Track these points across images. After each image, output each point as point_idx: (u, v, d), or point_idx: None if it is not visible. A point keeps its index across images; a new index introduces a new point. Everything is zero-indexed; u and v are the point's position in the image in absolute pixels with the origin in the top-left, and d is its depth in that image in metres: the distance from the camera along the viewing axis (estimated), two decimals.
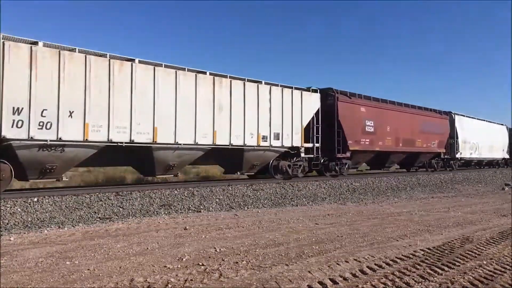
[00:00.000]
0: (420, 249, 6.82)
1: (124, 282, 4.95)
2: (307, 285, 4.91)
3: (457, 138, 29.35)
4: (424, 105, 27.55)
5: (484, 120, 34.82)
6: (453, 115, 29.46)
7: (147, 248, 6.69)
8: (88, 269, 5.45)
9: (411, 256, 6.40)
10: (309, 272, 5.45)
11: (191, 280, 5.07)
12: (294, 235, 7.86)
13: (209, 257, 6.17)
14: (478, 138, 32.22)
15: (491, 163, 37.03)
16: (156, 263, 5.80)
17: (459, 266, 5.86)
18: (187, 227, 8.53)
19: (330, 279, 5.16)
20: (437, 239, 7.69)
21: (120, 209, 10.65)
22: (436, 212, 11.56)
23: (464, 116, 31.38)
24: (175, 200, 12.05)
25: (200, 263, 5.81)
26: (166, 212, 10.65)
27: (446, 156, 28.89)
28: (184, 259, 6.03)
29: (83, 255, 6.23)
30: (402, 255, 6.44)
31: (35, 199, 10.41)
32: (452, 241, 7.56)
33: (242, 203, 12.62)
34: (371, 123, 21.32)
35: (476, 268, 5.77)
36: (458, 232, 8.50)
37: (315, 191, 15.87)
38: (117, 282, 4.95)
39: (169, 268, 5.58)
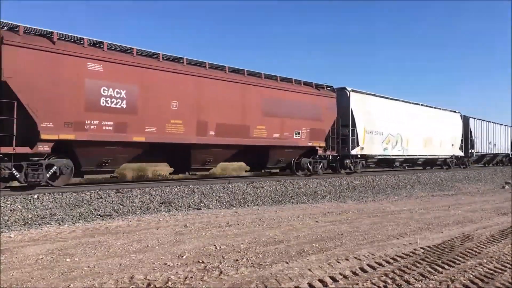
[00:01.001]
0: (420, 247, 6.82)
1: (124, 279, 4.95)
2: (307, 283, 4.91)
3: (354, 126, 19.72)
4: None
5: (417, 104, 25.73)
6: (348, 92, 19.93)
7: (147, 246, 6.69)
8: (88, 266, 5.46)
9: (411, 254, 6.39)
10: (309, 270, 5.45)
11: (191, 277, 5.07)
12: (294, 233, 7.86)
13: (209, 255, 6.17)
14: (401, 128, 23.18)
15: (432, 162, 28.45)
16: (156, 261, 5.80)
17: (459, 264, 5.86)
18: (187, 225, 8.53)
19: (330, 277, 5.16)
20: (438, 237, 7.69)
21: (121, 206, 10.65)
22: (436, 210, 11.56)
23: (371, 95, 21.78)
24: (175, 198, 12.05)
25: (200, 261, 5.81)
26: (166, 210, 10.65)
27: (329, 154, 19.13)
28: (184, 257, 6.03)
29: (83, 252, 6.22)
30: (402, 253, 6.44)
31: (35, 196, 10.41)
32: (453, 239, 7.56)
33: (242, 200, 12.62)
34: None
35: (476, 266, 5.78)
36: (458, 230, 8.50)
37: (315, 189, 15.86)
38: (117, 279, 4.95)
39: (169, 265, 5.58)
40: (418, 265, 5.77)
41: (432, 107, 27.29)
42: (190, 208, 11.04)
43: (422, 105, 26.28)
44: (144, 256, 6.05)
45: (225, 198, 12.74)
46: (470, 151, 31.06)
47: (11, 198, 9.97)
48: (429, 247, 6.88)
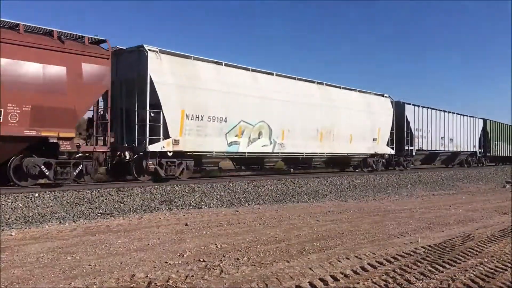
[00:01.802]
0: (421, 246, 6.82)
1: (125, 278, 4.96)
2: (308, 282, 4.91)
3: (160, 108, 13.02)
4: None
5: (309, 82, 18.72)
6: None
7: (148, 244, 6.70)
8: (89, 265, 5.46)
9: (412, 253, 6.39)
10: (310, 268, 5.45)
11: (192, 276, 5.07)
12: (295, 232, 7.86)
13: (210, 253, 6.18)
14: (270, 114, 16.42)
15: (342, 163, 21.77)
16: (157, 259, 5.80)
17: (460, 263, 5.86)
18: (188, 223, 8.53)
19: (331, 275, 5.16)
20: (438, 237, 7.69)
21: (121, 204, 10.66)
22: (437, 209, 11.56)
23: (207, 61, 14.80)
24: (176, 196, 12.05)
25: (201, 259, 5.81)
26: (167, 208, 10.65)
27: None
28: (185, 255, 6.04)
29: (84, 250, 6.23)
30: (403, 252, 6.44)
31: (36, 194, 10.42)
32: (453, 238, 7.56)
33: (243, 199, 12.63)
34: None
35: (477, 265, 5.77)
36: (459, 229, 8.50)
37: (316, 188, 15.87)
38: (118, 278, 4.95)
39: (170, 264, 5.58)
40: (419, 264, 5.77)
41: (338, 87, 20.21)
42: (191, 207, 11.05)
43: (320, 83, 19.11)
44: (145, 254, 6.05)
45: (226, 197, 12.75)
46: (407, 148, 24.07)
47: (12, 196, 9.99)
48: (430, 246, 6.88)
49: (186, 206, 11.06)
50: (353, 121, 20.37)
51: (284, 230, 8.01)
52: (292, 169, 20.10)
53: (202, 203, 11.61)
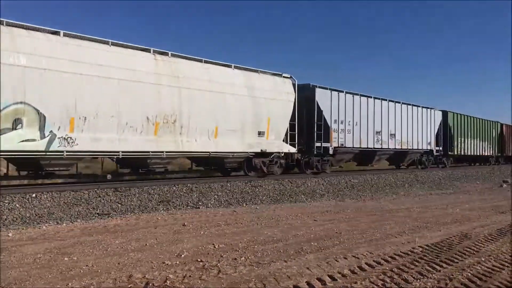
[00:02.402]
0: (418, 246, 6.82)
1: (123, 278, 4.95)
2: (306, 282, 4.91)
3: None
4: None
5: (142, 50, 13.23)
6: None
7: (146, 244, 6.69)
8: (86, 265, 5.45)
9: (409, 252, 6.40)
10: (308, 268, 5.45)
11: (190, 276, 5.07)
12: (293, 232, 7.86)
13: (208, 254, 6.17)
14: (73, 99, 11.23)
15: (198, 163, 16.10)
16: (154, 259, 5.79)
17: (457, 263, 5.87)
18: (185, 223, 8.52)
19: (328, 275, 5.16)
20: (436, 236, 7.70)
21: (119, 205, 10.64)
22: (435, 208, 11.58)
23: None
24: (173, 196, 12.04)
25: (199, 260, 5.81)
26: (164, 208, 10.64)
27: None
28: (182, 255, 6.03)
29: (82, 251, 6.22)
30: (400, 251, 6.44)
31: (34, 195, 10.39)
32: (451, 237, 7.57)
33: (240, 199, 12.62)
34: None
35: (475, 265, 5.78)
36: (456, 228, 8.51)
37: (313, 187, 15.88)
38: (116, 278, 4.94)
39: (167, 264, 5.58)
40: (417, 263, 5.78)
41: (195, 60, 14.43)
42: (189, 207, 11.04)
43: (160, 52, 13.51)
44: (143, 255, 6.05)
45: (224, 197, 12.74)
46: (319, 144, 18.41)
47: (9, 197, 9.96)
48: (427, 245, 6.89)
49: (183, 206, 11.05)
50: (220, 108, 14.58)
51: (282, 230, 8.01)
52: (109, 176, 13.22)
53: (200, 203, 11.60)
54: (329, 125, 18.93)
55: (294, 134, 17.46)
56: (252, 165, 16.20)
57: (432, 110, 27.69)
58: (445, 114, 29.13)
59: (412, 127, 25.15)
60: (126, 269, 5.32)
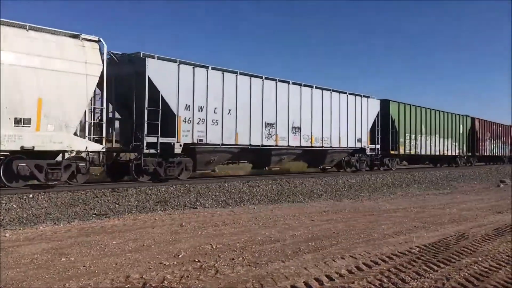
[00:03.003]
0: (415, 246, 6.84)
1: (120, 279, 4.94)
2: (303, 282, 4.92)
3: None
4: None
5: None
6: None
7: (143, 245, 6.68)
8: (83, 266, 5.44)
9: (406, 252, 6.41)
10: (305, 268, 5.46)
11: (187, 276, 5.06)
12: (290, 232, 7.86)
13: (205, 254, 6.17)
14: None
15: None
16: (152, 260, 5.79)
17: (454, 262, 5.89)
18: (183, 224, 8.51)
19: (326, 275, 5.17)
20: (433, 236, 7.72)
21: (116, 205, 10.63)
22: (432, 208, 11.60)
23: None
24: (171, 197, 12.03)
25: (196, 260, 5.80)
26: (162, 209, 10.63)
27: None
28: (180, 256, 6.02)
29: (79, 251, 6.21)
30: (398, 251, 6.46)
31: (31, 195, 10.37)
32: (448, 237, 7.59)
33: (238, 199, 12.62)
34: None
35: (472, 264, 5.80)
36: (453, 228, 8.53)
37: (311, 187, 15.89)
38: (113, 279, 4.93)
39: (165, 264, 5.57)
40: (414, 263, 5.79)
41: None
42: (186, 207, 11.03)
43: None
44: (140, 255, 6.04)
45: (221, 197, 12.74)
46: (150, 140, 13.53)
47: (6, 197, 9.94)
48: (424, 245, 6.90)
49: (181, 207, 11.04)
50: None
51: (279, 230, 8.01)
52: None
53: (197, 203, 11.59)
54: (175, 113, 14.10)
55: (102, 123, 12.79)
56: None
57: (365, 99, 22.25)
58: (385, 104, 23.91)
59: (331, 119, 20.00)
60: (124, 270, 5.31)
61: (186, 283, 4.84)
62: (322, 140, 19.55)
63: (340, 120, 20.58)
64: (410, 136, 25.72)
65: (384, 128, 23.51)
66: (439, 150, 29.12)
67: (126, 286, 4.71)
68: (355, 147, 21.70)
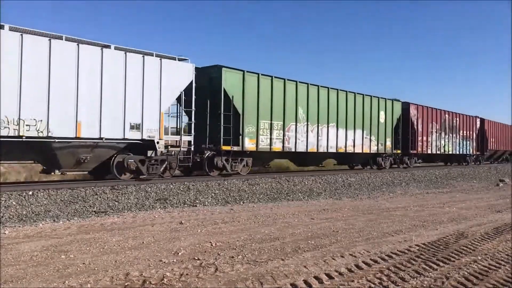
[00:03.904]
0: (415, 244, 6.85)
1: (120, 276, 4.94)
2: (303, 280, 4.92)
3: None
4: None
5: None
6: None
7: (143, 242, 6.68)
8: (83, 263, 5.44)
9: (406, 251, 6.42)
10: (305, 267, 5.46)
11: (187, 274, 5.06)
12: (290, 230, 7.87)
13: (205, 252, 6.17)
14: None
15: None
16: (151, 257, 5.79)
17: (454, 261, 5.89)
18: (182, 222, 8.52)
19: (326, 274, 5.17)
20: (432, 235, 7.72)
21: (116, 203, 10.62)
22: (431, 207, 11.61)
23: None
24: (170, 195, 12.03)
25: (196, 258, 5.81)
26: (161, 206, 10.63)
27: None
28: (179, 254, 6.03)
29: (78, 249, 6.20)
30: (397, 250, 6.46)
31: (30, 193, 10.36)
32: (447, 236, 7.59)
33: (238, 197, 12.62)
34: None
35: (471, 263, 5.81)
36: (453, 227, 8.54)
37: (310, 186, 15.89)
38: (113, 276, 4.93)
39: (164, 262, 5.57)
40: (413, 262, 5.80)
41: None
42: (186, 205, 11.03)
43: None
44: (140, 253, 6.04)
45: (221, 195, 12.74)
46: None
47: (5, 194, 9.93)
48: (424, 244, 6.91)
49: (180, 205, 11.04)
50: None
51: (279, 228, 8.01)
52: None
53: (197, 201, 11.59)
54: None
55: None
56: None
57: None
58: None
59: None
60: (123, 267, 5.31)
61: (186, 281, 4.84)
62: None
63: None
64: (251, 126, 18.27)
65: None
66: (338, 145, 20.65)
67: (126, 284, 4.71)
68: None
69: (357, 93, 21.98)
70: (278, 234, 7.47)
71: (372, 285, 4.82)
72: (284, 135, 17.86)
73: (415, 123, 26.17)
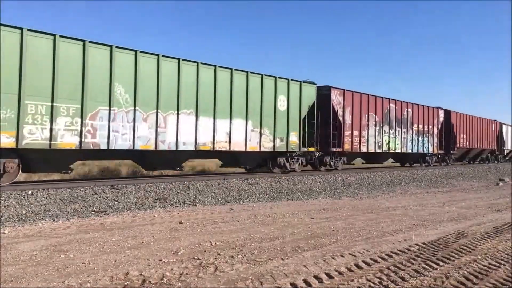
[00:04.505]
0: (415, 244, 6.84)
1: (119, 276, 4.94)
2: (303, 279, 4.91)
3: None
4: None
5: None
6: None
7: (142, 242, 6.68)
8: (83, 263, 5.43)
9: (406, 250, 6.42)
10: (305, 266, 5.46)
11: (187, 274, 5.06)
12: (290, 229, 7.86)
13: (205, 251, 6.16)
14: None
15: None
16: (151, 257, 5.78)
17: (453, 261, 5.89)
18: (182, 221, 8.51)
19: (325, 273, 5.16)
20: (432, 234, 7.72)
21: (115, 202, 10.62)
22: (431, 207, 11.61)
23: None
24: (170, 194, 12.03)
25: (196, 257, 5.80)
26: (161, 206, 10.63)
27: None
28: (179, 253, 6.02)
29: (78, 248, 6.20)
30: (397, 249, 6.46)
31: (30, 192, 10.36)
32: (447, 236, 7.59)
33: (237, 197, 12.62)
34: None
35: (471, 263, 5.80)
36: (452, 227, 8.54)
37: (310, 185, 15.89)
38: (112, 276, 4.93)
39: (164, 261, 5.57)
40: (413, 261, 5.79)
41: None
42: (185, 205, 11.02)
43: None
44: (139, 252, 6.03)
45: (221, 194, 12.74)
46: None
47: (5, 194, 9.93)
48: (423, 243, 6.90)
49: (180, 204, 11.04)
50: None
51: (279, 228, 8.01)
52: None
53: (197, 200, 11.59)
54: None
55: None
56: None
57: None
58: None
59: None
60: (123, 267, 5.31)
61: (186, 280, 4.84)
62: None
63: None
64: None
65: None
66: (199, 140, 14.97)
67: (125, 283, 4.71)
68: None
69: (236, 70, 16.01)
70: (278, 234, 7.46)
71: (372, 285, 4.82)
72: (83, 126, 12.15)
73: (341, 113, 20.41)
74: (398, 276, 5.10)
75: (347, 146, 21.08)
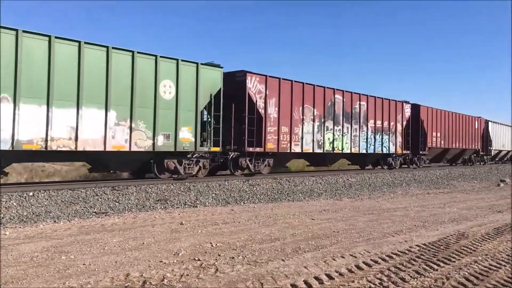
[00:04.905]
0: (415, 245, 6.84)
1: (120, 277, 4.95)
2: (303, 280, 4.92)
3: None
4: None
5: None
6: None
7: (143, 243, 6.68)
8: (83, 264, 5.44)
9: (406, 251, 6.42)
10: (305, 267, 5.46)
11: (187, 275, 5.07)
12: (290, 231, 7.86)
13: (205, 252, 6.17)
14: None
15: None
16: (152, 258, 5.79)
17: (454, 262, 5.89)
18: (183, 222, 8.52)
19: (326, 274, 5.17)
20: (433, 235, 7.72)
21: (116, 203, 10.63)
22: (432, 208, 11.60)
23: None
24: (171, 195, 12.03)
25: (196, 258, 5.81)
26: (162, 207, 10.63)
27: None
28: (180, 254, 6.03)
29: (79, 249, 6.21)
30: (398, 250, 6.46)
31: (31, 193, 10.38)
32: (448, 237, 7.59)
33: (238, 198, 12.62)
34: None
35: (472, 264, 5.80)
36: (453, 228, 8.53)
37: (311, 186, 15.89)
38: (113, 277, 4.94)
39: (165, 263, 5.58)
40: (414, 262, 5.79)
41: None
42: (186, 206, 11.03)
43: None
44: (140, 253, 6.04)
45: (221, 195, 12.74)
46: None
47: (6, 195, 9.95)
48: (424, 244, 6.90)
49: (181, 205, 11.04)
50: None
51: (279, 229, 8.01)
52: None
53: (198, 202, 11.59)
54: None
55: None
56: None
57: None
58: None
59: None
60: (124, 268, 5.31)
61: (186, 281, 4.84)
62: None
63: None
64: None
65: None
66: (18, 138, 10.95)
67: (126, 285, 4.71)
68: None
69: (87, 43, 12.00)
70: (279, 235, 7.47)
71: (373, 286, 4.82)
72: None
73: (261, 105, 16.78)
74: (399, 277, 5.10)
75: (271, 145, 17.09)
